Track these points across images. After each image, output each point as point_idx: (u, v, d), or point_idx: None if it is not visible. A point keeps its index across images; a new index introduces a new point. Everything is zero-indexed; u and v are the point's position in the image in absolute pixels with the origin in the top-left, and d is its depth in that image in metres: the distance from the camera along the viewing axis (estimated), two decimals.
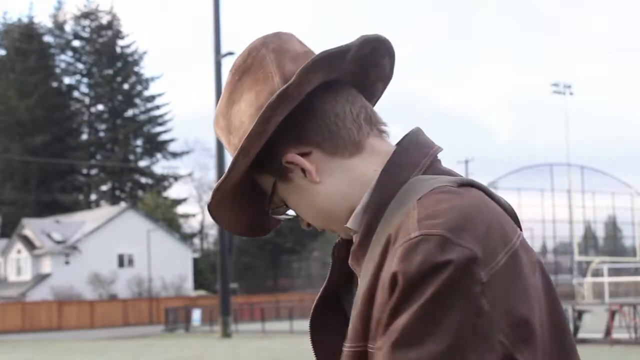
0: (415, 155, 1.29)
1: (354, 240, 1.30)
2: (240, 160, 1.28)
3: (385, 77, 1.38)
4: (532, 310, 1.13)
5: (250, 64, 1.31)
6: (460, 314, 1.08)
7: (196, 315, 38.09)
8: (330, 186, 1.29)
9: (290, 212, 1.37)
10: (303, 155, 1.28)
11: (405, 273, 1.10)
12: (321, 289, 1.39)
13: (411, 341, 1.08)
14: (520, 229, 1.24)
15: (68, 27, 73.21)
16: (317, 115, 1.28)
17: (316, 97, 1.28)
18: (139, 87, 71.60)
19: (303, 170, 1.28)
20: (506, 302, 1.10)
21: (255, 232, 1.43)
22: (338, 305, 1.38)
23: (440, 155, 1.33)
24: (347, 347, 1.20)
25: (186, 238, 60.63)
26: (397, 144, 1.32)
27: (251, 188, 1.36)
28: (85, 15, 72.10)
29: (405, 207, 1.20)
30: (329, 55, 1.25)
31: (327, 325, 1.36)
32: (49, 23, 73.65)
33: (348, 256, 1.32)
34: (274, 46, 1.31)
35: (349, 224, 1.29)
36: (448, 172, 1.28)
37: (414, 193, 1.22)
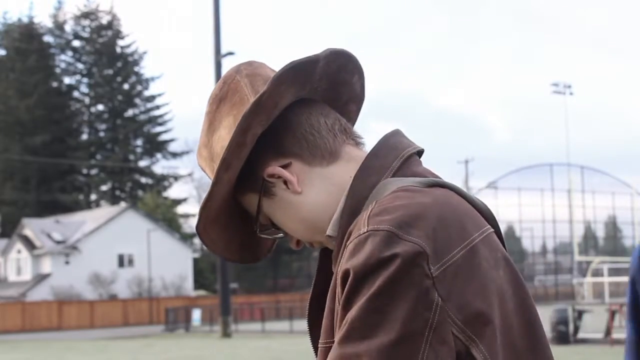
0: (385, 158, 1.31)
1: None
2: (222, 173, 1.31)
3: (356, 97, 1.42)
4: (490, 306, 1.13)
5: (226, 92, 1.36)
6: (409, 306, 1.10)
7: (196, 315, 38.09)
8: (313, 196, 1.33)
9: (279, 233, 1.39)
10: (283, 167, 1.31)
11: (354, 268, 1.13)
12: (311, 289, 1.41)
13: (361, 334, 1.10)
14: (495, 228, 1.26)
15: (68, 27, 73.27)
16: (294, 126, 1.32)
17: (291, 111, 1.32)
18: (139, 87, 71.60)
19: (285, 183, 1.31)
20: (461, 297, 1.11)
21: (247, 257, 1.44)
22: None
23: (429, 156, 1.39)
24: (321, 344, 1.25)
25: (186, 238, 60.60)
26: (371, 149, 1.34)
27: (239, 211, 1.39)
28: (85, 15, 72.09)
29: (368, 209, 1.23)
30: (299, 64, 1.29)
31: (321, 324, 1.40)
32: (49, 23, 73.75)
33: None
34: (247, 72, 1.36)
35: (328, 231, 1.32)
36: (422, 174, 1.29)
37: (379, 195, 1.25)
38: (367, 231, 1.16)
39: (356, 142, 1.36)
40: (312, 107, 1.34)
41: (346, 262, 1.15)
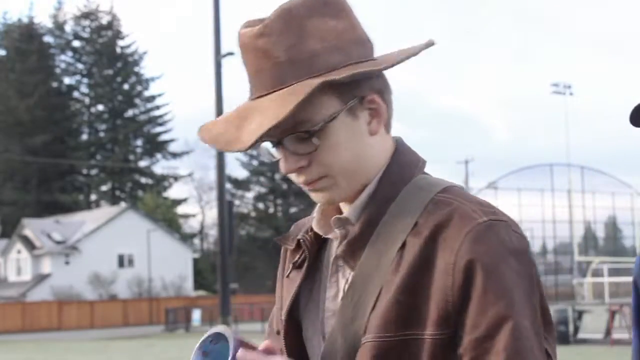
0: (414, 155, 1.38)
1: (340, 233, 1.33)
2: (341, 63, 1.28)
3: None
4: None
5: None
6: (538, 291, 1.26)
7: (196, 315, 38.10)
8: (376, 146, 1.34)
9: (274, 153, 1.35)
10: None
11: (491, 255, 1.21)
12: (300, 283, 1.41)
13: (531, 320, 1.21)
14: None
15: (68, 27, 73.23)
16: (390, 87, 1.38)
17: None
18: (139, 87, 71.58)
19: (372, 117, 1.33)
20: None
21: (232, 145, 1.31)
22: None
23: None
24: (377, 338, 1.24)
25: (186, 238, 60.63)
26: (397, 144, 1.38)
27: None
28: (85, 15, 72.07)
29: (424, 202, 1.29)
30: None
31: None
32: (49, 23, 73.65)
33: (319, 251, 1.39)
34: None
35: (348, 215, 1.33)
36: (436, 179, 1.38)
37: (429, 188, 1.31)
38: (488, 220, 1.24)
39: None
40: None
41: (472, 251, 1.21)
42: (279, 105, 1.24)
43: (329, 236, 1.38)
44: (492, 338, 1.19)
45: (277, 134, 1.28)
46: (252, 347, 1.23)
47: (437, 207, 1.27)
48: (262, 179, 67.12)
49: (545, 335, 1.26)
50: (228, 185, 59.86)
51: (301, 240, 1.40)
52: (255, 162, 66.95)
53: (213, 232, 63.57)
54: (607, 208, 55.66)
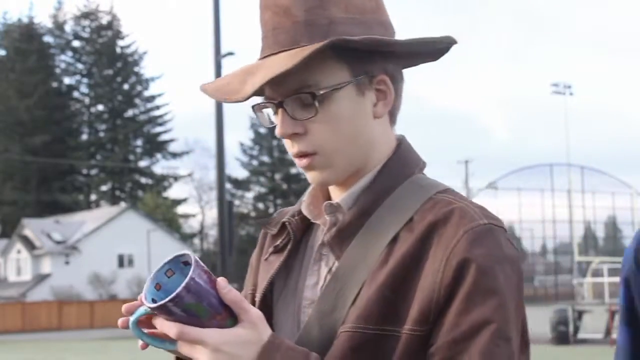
0: (416, 154, 1.35)
1: (330, 219, 1.30)
2: (356, 28, 1.25)
3: None
4: None
5: None
6: (522, 306, 1.24)
7: None
8: (379, 130, 1.31)
9: (273, 119, 1.31)
10: None
11: (486, 258, 1.18)
12: (277, 268, 1.36)
13: (507, 333, 1.18)
14: None
15: (68, 27, 73.18)
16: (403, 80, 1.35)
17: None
18: (139, 87, 71.55)
19: (378, 99, 1.29)
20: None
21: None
22: None
23: (432, 159, 1.42)
24: (355, 329, 1.20)
25: (186, 238, 60.61)
26: (401, 142, 1.36)
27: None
28: (85, 15, 72.03)
29: (422, 199, 1.26)
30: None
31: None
32: (49, 23, 73.59)
33: (302, 237, 1.35)
34: None
35: (341, 202, 1.29)
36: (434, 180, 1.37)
37: (430, 187, 1.28)
38: (488, 223, 1.21)
39: None
40: None
41: (468, 250, 1.17)
42: (285, 61, 1.21)
43: (317, 221, 1.34)
44: (470, 340, 1.15)
45: (280, 93, 1.25)
46: (212, 278, 1.14)
47: (436, 205, 1.24)
48: (262, 179, 67.09)
49: (521, 357, 1.23)
50: (228, 185, 59.85)
51: (287, 223, 1.36)
52: (255, 162, 66.95)
53: (213, 232, 63.55)
54: (607, 208, 55.69)
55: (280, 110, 1.26)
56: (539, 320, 21.13)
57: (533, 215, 51.82)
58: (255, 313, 1.16)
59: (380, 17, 1.29)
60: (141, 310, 1.17)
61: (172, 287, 1.16)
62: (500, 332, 1.15)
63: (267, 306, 1.36)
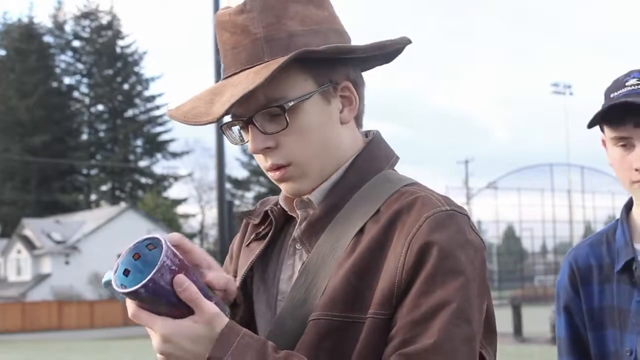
0: (386, 150, 1.38)
1: (300, 215, 1.33)
2: (313, 40, 1.27)
3: None
4: None
5: None
6: (487, 293, 1.23)
7: None
8: (344, 136, 1.33)
9: (244, 136, 1.33)
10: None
11: (447, 242, 1.18)
12: (258, 254, 1.38)
13: (467, 315, 1.17)
14: None
15: (68, 27, 73.19)
16: (363, 81, 1.37)
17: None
18: (139, 87, 71.56)
19: (343, 105, 1.32)
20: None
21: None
22: None
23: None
24: (321, 316, 1.22)
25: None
26: (369, 138, 1.38)
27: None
28: (85, 15, 72.02)
29: (389, 192, 1.27)
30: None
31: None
32: (49, 23, 73.60)
33: (282, 228, 1.38)
34: None
35: (312, 197, 1.32)
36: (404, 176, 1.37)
37: (397, 181, 1.30)
38: (450, 210, 1.22)
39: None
40: None
41: (430, 234, 1.18)
42: (252, 78, 1.22)
43: (293, 214, 1.37)
44: (430, 321, 1.15)
45: (249, 110, 1.27)
46: (185, 264, 1.17)
47: (402, 196, 1.26)
48: (262, 179, 67.08)
49: (483, 343, 1.23)
50: (228, 185, 59.84)
51: (269, 211, 1.39)
52: (255, 162, 66.79)
53: (213, 232, 63.57)
54: (607, 208, 55.60)
55: (250, 127, 1.28)
56: (539, 320, 21.10)
57: (533, 215, 51.84)
58: (210, 309, 1.16)
59: (335, 26, 1.32)
60: (108, 278, 1.21)
61: (153, 260, 1.18)
62: (460, 312, 1.15)
63: (246, 292, 1.38)
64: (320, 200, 1.31)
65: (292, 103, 1.25)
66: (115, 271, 1.18)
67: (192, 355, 1.15)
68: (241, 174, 67.72)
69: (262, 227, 1.41)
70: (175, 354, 1.16)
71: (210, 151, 64.60)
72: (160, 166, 71.94)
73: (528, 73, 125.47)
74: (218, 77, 25.15)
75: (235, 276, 1.43)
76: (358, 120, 1.36)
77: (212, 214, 63.68)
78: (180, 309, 1.16)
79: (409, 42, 1.35)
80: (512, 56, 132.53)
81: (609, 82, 2.06)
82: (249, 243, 1.43)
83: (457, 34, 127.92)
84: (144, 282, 1.13)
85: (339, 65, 1.30)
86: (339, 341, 1.19)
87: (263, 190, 67.42)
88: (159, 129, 71.44)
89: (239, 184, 67.32)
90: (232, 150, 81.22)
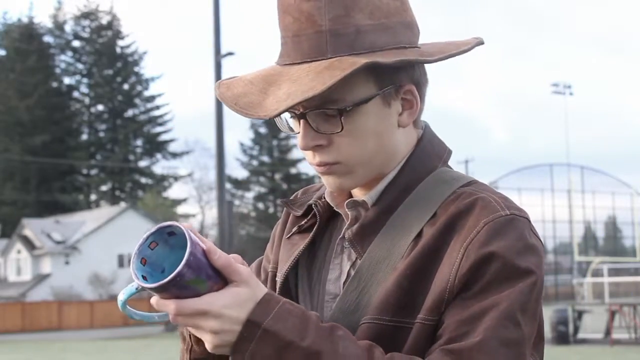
0: (439, 146, 1.33)
1: (351, 215, 1.29)
2: (387, 38, 1.21)
3: None
4: None
5: None
6: (540, 300, 1.19)
7: None
8: (402, 139, 1.29)
9: (292, 125, 1.27)
10: None
11: (508, 250, 1.15)
12: (302, 249, 1.34)
13: (516, 320, 1.14)
14: None
15: (68, 27, 73.18)
16: (427, 84, 1.33)
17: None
18: (139, 87, 71.56)
19: (404, 109, 1.27)
20: None
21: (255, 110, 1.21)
22: None
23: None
24: (372, 320, 1.19)
25: None
26: (419, 132, 1.34)
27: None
28: (85, 15, 72.02)
29: (445, 194, 1.23)
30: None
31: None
32: (49, 23, 73.57)
33: (327, 222, 1.33)
34: None
35: (367, 199, 1.28)
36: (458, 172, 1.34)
37: (453, 181, 1.26)
38: (510, 214, 1.18)
39: None
40: None
41: (488, 242, 1.14)
42: (313, 79, 1.15)
43: (339, 210, 1.32)
44: (478, 319, 1.12)
45: (303, 105, 1.20)
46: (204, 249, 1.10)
47: (459, 198, 1.22)
48: (262, 179, 67.06)
49: (533, 352, 1.21)
50: (228, 185, 59.85)
51: (313, 205, 1.34)
52: (255, 162, 66.93)
53: (213, 232, 63.53)
54: (607, 208, 55.67)
55: (302, 122, 1.23)
56: None
57: (533, 215, 51.15)
58: (246, 271, 1.12)
59: (406, 19, 1.25)
60: (132, 290, 1.13)
61: (157, 260, 1.12)
62: (510, 314, 1.12)
63: (287, 289, 1.34)
64: (374, 201, 1.27)
65: (350, 108, 1.20)
66: (137, 278, 1.11)
67: (238, 322, 1.10)
68: (241, 174, 67.78)
69: (305, 220, 1.36)
70: (225, 328, 1.09)
71: (210, 151, 64.58)
72: (160, 166, 71.98)
73: (528, 73, 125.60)
74: (218, 77, 25.20)
75: (275, 269, 1.39)
76: (416, 121, 1.31)
77: (212, 214, 63.66)
78: (218, 282, 1.10)
79: (481, 42, 1.29)
80: (512, 56, 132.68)
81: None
82: (291, 235, 1.38)
83: (456, 33, 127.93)
84: (185, 259, 1.05)
85: (403, 68, 1.25)
86: (387, 346, 1.16)
87: (263, 190, 67.41)
88: (159, 129, 71.47)
89: (239, 184, 67.29)
90: (232, 150, 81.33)
